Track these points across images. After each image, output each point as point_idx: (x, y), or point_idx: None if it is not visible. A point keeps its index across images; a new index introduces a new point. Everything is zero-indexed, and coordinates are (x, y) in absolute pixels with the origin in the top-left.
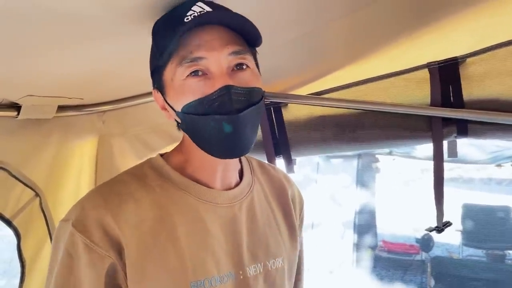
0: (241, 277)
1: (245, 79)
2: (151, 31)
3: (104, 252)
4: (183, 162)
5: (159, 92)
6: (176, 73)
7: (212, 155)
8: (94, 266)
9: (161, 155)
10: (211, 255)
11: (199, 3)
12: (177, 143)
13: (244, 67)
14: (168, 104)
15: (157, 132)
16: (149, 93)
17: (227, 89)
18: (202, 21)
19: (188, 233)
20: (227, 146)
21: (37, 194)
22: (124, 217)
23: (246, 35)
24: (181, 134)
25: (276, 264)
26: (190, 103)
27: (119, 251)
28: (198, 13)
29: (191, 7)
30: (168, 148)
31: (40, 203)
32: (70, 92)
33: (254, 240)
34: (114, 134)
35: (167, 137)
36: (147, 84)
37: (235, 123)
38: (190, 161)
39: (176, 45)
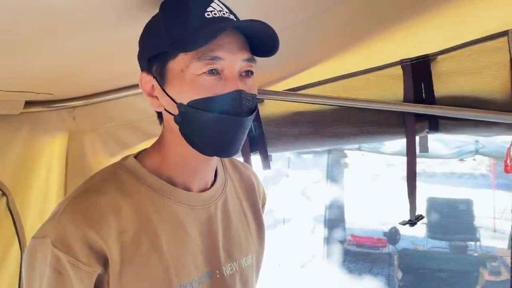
0: (218, 276)
1: (250, 86)
2: (124, 25)
3: (90, 269)
4: (159, 162)
5: (154, 78)
6: (190, 66)
7: (202, 152)
8: (82, 282)
9: (135, 156)
10: (192, 258)
11: (216, 0)
12: (150, 140)
13: (250, 74)
14: (166, 93)
15: (130, 129)
16: (122, 88)
17: (239, 93)
18: (238, 25)
19: (169, 240)
20: (225, 146)
21: (3, 193)
22: (107, 230)
23: (264, 45)
24: (156, 130)
25: (247, 262)
26: (200, 98)
27: (105, 263)
28: (219, 13)
29: (210, 2)
30: (142, 145)
31: (7, 203)
32: (39, 87)
33: (229, 239)
34: (85, 131)
35: (140, 133)
36: (120, 79)
37: (240, 125)
38: (167, 160)
39: (205, 43)
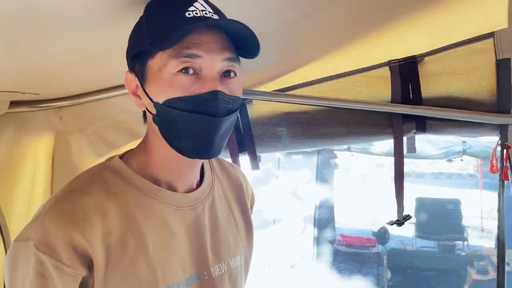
0: (206, 277)
1: (231, 87)
2: (111, 25)
3: (74, 271)
4: (144, 163)
5: (135, 77)
6: (167, 65)
7: (182, 153)
8: (66, 285)
9: (120, 156)
10: (178, 260)
11: (200, 0)
12: (138, 140)
13: (232, 75)
14: (146, 92)
15: (118, 129)
16: (109, 89)
17: (215, 94)
18: (212, 23)
19: (156, 241)
20: (202, 147)
21: None
22: (91, 231)
23: (246, 46)
24: (143, 130)
25: (236, 262)
26: (175, 97)
27: (89, 265)
28: (201, 12)
29: (193, 2)
30: (129, 146)
31: None
32: (25, 87)
33: (217, 240)
34: (72, 131)
35: (127, 134)
36: (107, 79)
37: (216, 126)
38: (153, 160)
39: (176, 41)
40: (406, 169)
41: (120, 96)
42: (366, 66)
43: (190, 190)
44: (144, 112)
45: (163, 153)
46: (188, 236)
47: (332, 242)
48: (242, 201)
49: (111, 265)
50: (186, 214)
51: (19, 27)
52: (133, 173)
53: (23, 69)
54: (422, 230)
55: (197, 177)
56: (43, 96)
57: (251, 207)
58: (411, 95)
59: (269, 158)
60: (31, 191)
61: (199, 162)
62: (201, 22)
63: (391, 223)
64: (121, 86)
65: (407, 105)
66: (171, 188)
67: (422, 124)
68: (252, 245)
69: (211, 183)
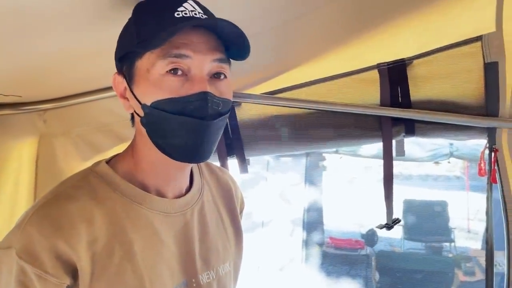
0: (194, 285)
1: (221, 89)
2: (96, 26)
3: (58, 280)
4: (132, 168)
5: (124, 79)
6: (155, 65)
7: (170, 156)
8: None
9: (107, 161)
10: (166, 267)
11: (190, 1)
12: (124, 144)
13: (222, 77)
14: (133, 94)
15: (103, 132)
16: (95, 91)
17: (204, 95)
18: (199, 23)
19: (144, 248)
20: (191, 151)
21: None
22: (77, 239)
23: (235, 46)
24: (130, 133)
25: (225, 269)
26: (163, 99)
27: (74, 273)
28: (190, 12)
29: (183, 2)
30: (115, 149)
31: None
32: (7, 89)
33: (206, 247)
34: (57, 134)
35: (114, 137)
36: (92, 81)
37: (205, 129)
38: (140, 165)
39: (164, 40)
40: (394, 171)
41: (106, 99)
42: (355, 69)
43: (179, 195)
44: (132, 115)
45: (151, 157)
46: (177, 242)
47: (321, 244)
48: (231, 206)
49: (97, 273)
50: (175, 220)
51: (0, 27)
52: (120, 179)
53: (4, 70)
54: (410, 232)
55: (186, 181)
56: (27, 98)
57: (241, 212)
58: (400, 98)
59: (258, 160)
60: (15, 196)
61: (188, 166)
62: (189, 21)
63: (381, 227)
64: (107, 89)
65: (396, 108)
66: (160, 193)
67: (411, 127)
68: (241, 251)
69: (201, 188)
